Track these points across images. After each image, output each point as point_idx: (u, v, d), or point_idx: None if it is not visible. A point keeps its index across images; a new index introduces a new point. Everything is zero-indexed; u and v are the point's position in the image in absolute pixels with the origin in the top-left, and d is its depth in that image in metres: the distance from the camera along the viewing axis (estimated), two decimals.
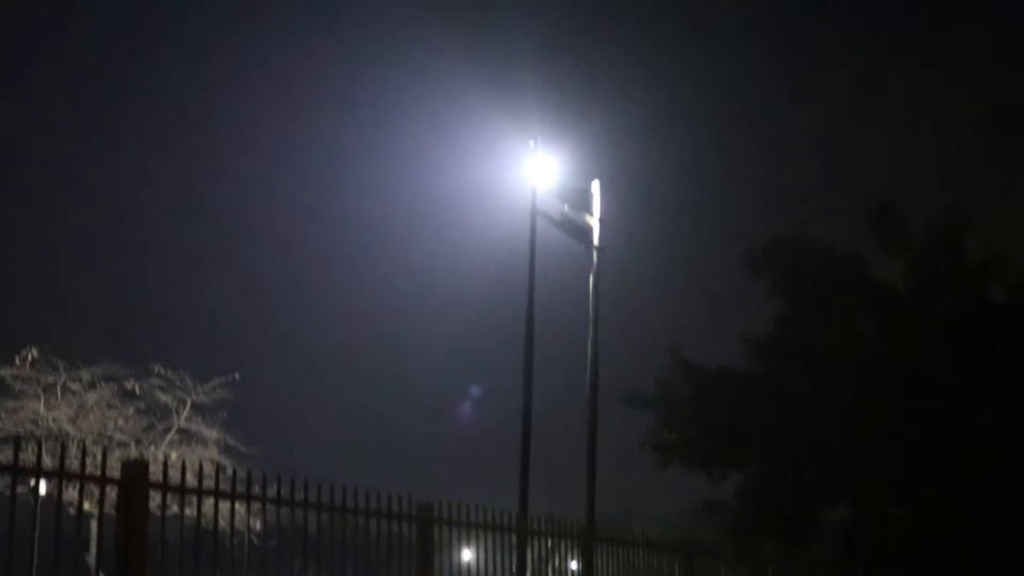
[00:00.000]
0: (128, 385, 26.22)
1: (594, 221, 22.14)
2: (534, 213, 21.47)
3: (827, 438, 20.01)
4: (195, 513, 8.78)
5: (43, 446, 8.53)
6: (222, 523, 8.61)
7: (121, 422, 26.19)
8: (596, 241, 22.08)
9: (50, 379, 25.85)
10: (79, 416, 25.91)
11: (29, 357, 25.45)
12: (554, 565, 13.06)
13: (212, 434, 26.78)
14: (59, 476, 7.84)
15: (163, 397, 26.47)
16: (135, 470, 8.20)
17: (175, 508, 10.32)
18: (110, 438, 26.01)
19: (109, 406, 26.20)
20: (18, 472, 7.75)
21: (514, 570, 11.75)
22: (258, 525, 15.73)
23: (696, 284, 30.12)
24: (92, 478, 8.00)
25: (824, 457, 20.13)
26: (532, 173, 21.55)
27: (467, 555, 11.28)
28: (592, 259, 22.13)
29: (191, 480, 9.03)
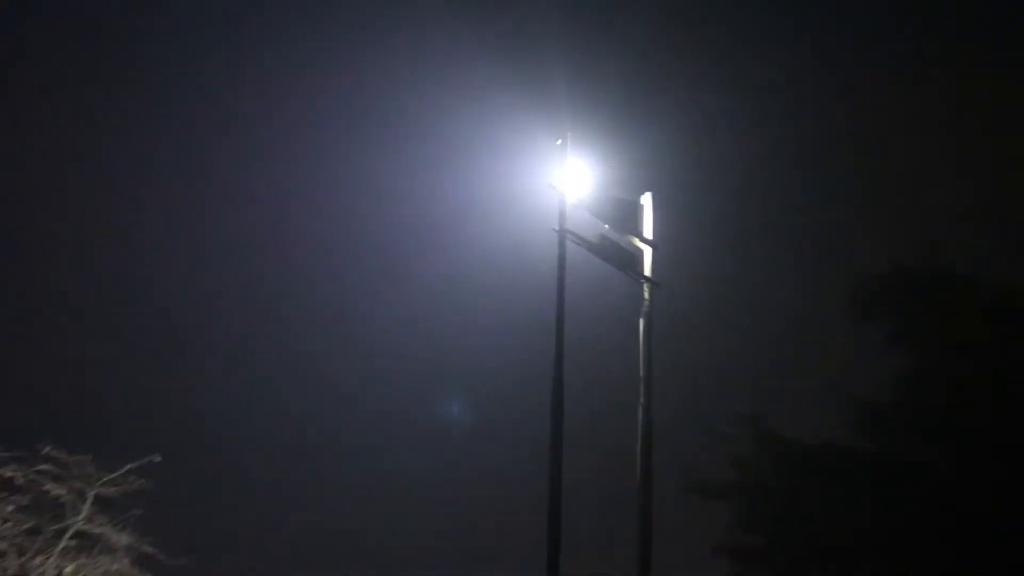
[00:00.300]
0: (7, 473, 23.72)
1: (644, 245, 20.00)
2: (563, 234, 19.46)
3: (980, 541, 18.47)
4: None
5: None
6: None
7: None
8: (647, 271, 19.88)
9: None
10: None
11: None
12: None
13: (123, 539, 24.34)
14: None
15: (55, 489, 23.89)
16: None
17: None
18: None
19: None
20: None
21: None
22: None
23: (775, 326, 27.59)
24: None
25: (976, 568, 18.38)
26: (561, 180, 19.63)
27: None
28: (642, 296, 19.81)
29: None
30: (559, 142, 19.66)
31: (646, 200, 20.22)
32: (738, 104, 31.17)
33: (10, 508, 24.00)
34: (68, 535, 24.14)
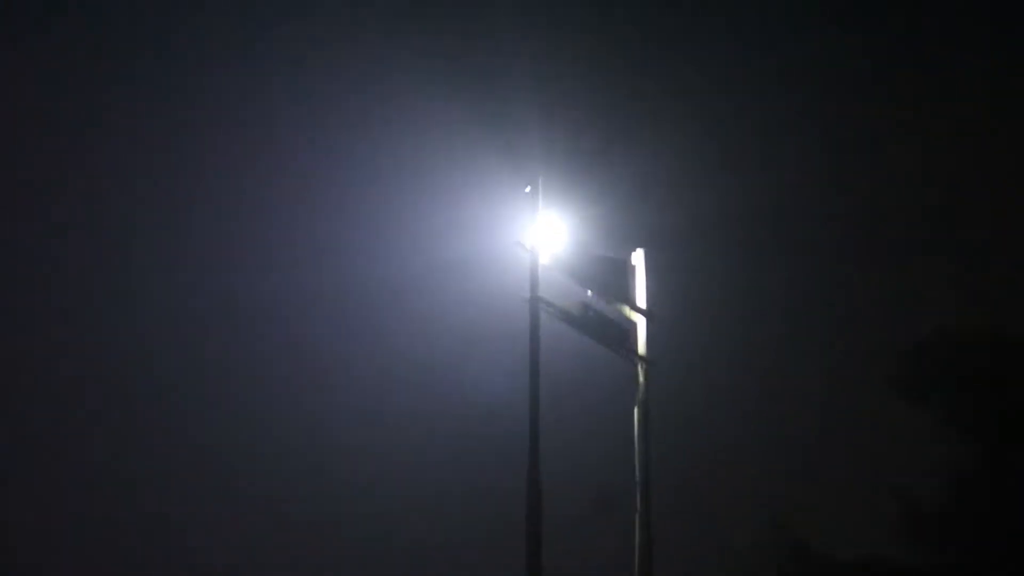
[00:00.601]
0: None
1: (637, 316, 19.10)
2: (535, 303, 18.42)
3: None
4: None
5: None
6: None
7: None
8: (641, 348, 18.96)
9: None
10: None
11: None
12: None
13: None
14: None
15: None
16: None
17: None
18: None
19: None
20: None
21: None
22: None
23: (802, 415, 26.83)
24: None
25: None
26: (531, 236, 18.80)
27: None
28: (636, 379, 18.82)
29: None
30: (528, 189, 18.91)
31: (637, 259, 19.44)
32: (743, 143, 30.22)
33: None
34: None
